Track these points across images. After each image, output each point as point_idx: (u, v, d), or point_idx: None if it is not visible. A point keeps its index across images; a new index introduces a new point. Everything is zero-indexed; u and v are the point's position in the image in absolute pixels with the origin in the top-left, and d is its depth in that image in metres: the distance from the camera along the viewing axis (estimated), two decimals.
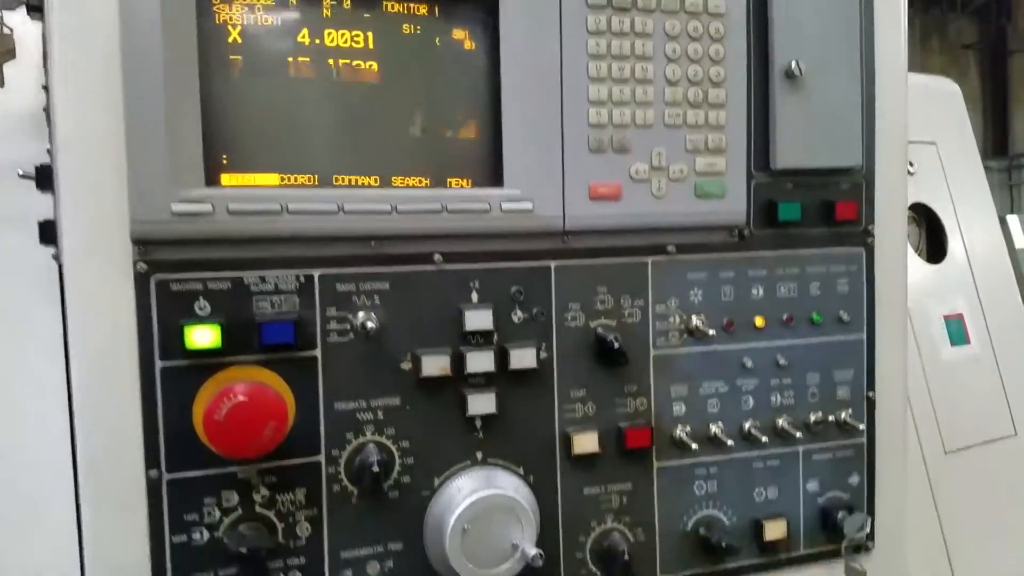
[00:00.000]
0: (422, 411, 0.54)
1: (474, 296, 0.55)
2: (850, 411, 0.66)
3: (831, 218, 0.63)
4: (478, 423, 0.55)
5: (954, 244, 1.18)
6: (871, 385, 0.67)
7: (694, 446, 0.60)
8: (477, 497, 0.52)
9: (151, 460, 0.49)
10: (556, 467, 0.57)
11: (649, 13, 0.56)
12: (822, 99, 0.62)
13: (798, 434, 0.63)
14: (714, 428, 0.61)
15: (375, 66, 0.52)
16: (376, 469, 0.51)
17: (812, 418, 0.64)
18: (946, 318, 1.14)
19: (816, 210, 0.63)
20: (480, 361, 0.54)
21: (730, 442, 0.61)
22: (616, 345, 0.56)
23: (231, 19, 0.49)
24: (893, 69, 0.66)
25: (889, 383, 0.68)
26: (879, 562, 0.68)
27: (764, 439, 0.61)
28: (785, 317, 0.63)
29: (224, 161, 0.50)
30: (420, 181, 0.54)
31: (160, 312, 0.48)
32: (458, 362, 0.54)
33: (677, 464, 0.61)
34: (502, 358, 0.55)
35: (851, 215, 0.64)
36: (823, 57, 0.61)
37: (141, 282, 0.48)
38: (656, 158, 0.57)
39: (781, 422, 0.63)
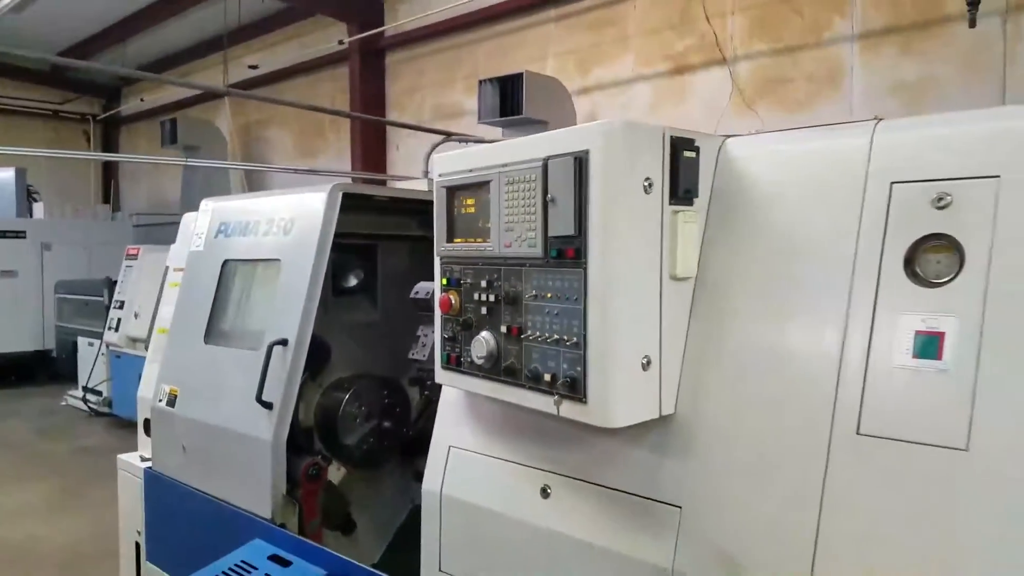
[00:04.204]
0: None
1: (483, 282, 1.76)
2: (576, 338, 1.49)
3: (566, 255, 1.50)
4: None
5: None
6: (584, 329, 1.47)
7: (535, 336, 1.61)
8: None
9: None
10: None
11: (517, 184, 1.61)
12: (560, 208, 1.50)
13: (560, 339, 1.53)
14: (538, 332, 1.59)
15: None
16: None
17: (563, 337, 1.52)
18: (919, 332, 1.31)
19: (563, 252, 1.51)
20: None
21: (544, 336, 1.58)
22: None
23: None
24: (601, 195, 1.43)
25: (596, 333, 1.46)
26: (591, 410, 1.48)
27: (548, 338, 1.56)
28: (553, 294, 1.54)
29: (451, 235, 1.88)
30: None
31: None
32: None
33: (530, 340, 1.62)
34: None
35: (571, 254, 1.48)
36: (560, 194, 1.50)
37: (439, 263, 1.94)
38: (517, 233, 1.63)
39: (551, 335, 1.54)
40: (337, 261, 2.99)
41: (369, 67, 8.79)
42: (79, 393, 8.88)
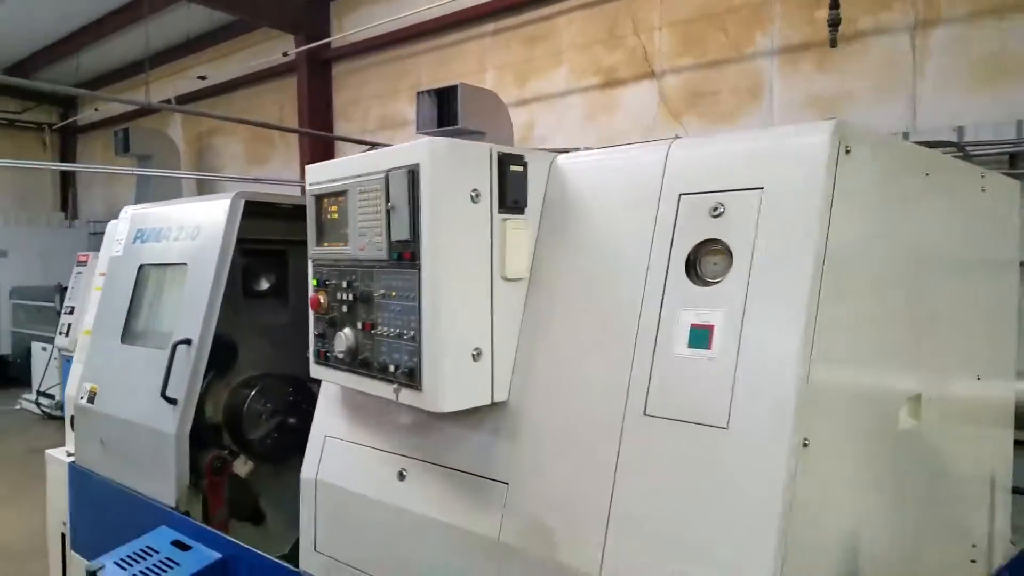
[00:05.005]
0: None
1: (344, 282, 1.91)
2: (413, 332, 1.66)
3: (404, 257, 1.66)
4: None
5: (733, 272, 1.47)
6: (419, 324, 1.64)
7: (383, 331, 1.77)
8: None
9: None
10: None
11: (368, 193, 1.78)
12: (399, 215, 1.66)
13: (402, 333, 1.70)
14: (386, 328, 1.75)
15: None
16: None
17: (403, 332, 1.69)
18: (693, 326, 1.49)
19: (401, 255, 1.67)
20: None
21: (389, 331, 1.74)
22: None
23: None
24: (429, 204, 1.61)
25: (428, 328, 1.62)
26: (425, 396, 1.64)
27: (392, 333, 1.72)
28: (397, 293, 1.71)
29: (320, 239, 2.04)
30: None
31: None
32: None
33: (379, 335, 1.79)
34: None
35: (408, 256, 1.65)
36: (399, 203, 1.66)
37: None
38: (368, 238, 1.79)
39: (395, 330, 1.71)
40: (248, 265, 3.13)
41: (316, 77, 8.93)
42: (33, 397, 8.87)
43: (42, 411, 8.69)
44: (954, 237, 1.97)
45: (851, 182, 1.47)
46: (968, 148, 5.23)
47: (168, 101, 8.25)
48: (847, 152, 1.45)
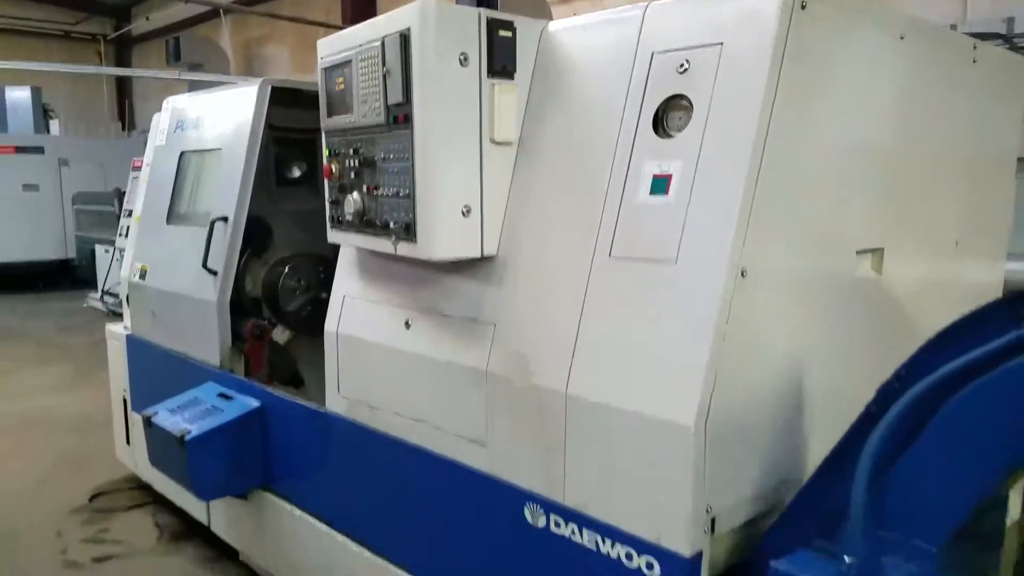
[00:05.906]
0: None
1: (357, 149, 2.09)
2: (409, 190, 1.83)
3: (399, 120, 1.82)
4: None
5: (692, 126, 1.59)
6: (413, 182, 1.81)
7: (384, 192, 1.95)
8: None
9: None
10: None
11: (367, 60, 1.93)
12: (394, 79, 1.81)
13: (399, 192, 1.88)
14: (386, 189, 1.94)
15: None
16: None
17: (400, 190, 1.87)
18: (655, 176, 1.63)
19: (396, 118, 1.83)
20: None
21: (389, 192, 1.93)
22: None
23: None
24: (419, 66, 1.75)
25: (420, 184, 1.80)
26: (419, 246, 1.84)
27: (392, 192, 1.91)
28: (395, 155, 1.88)
29: (330, 111, 2.21)
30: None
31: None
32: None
33: (382, 196, 1.97)
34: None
35: (402, 119, 1.80)
36: (393, 67, 1.81)
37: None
38: (369, 104, 1.95)
39: (394, 189, 1.89)
40: (281, 154, 3.34)
41: None
42: (98, 295, 9.51)
43: (108, 308, 9.31)
44: (934, 104, 2.02)
45: (807, 37, 1.55)
46: (1016, 39, 5.03)
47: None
48: (803, 7, 1.53)
